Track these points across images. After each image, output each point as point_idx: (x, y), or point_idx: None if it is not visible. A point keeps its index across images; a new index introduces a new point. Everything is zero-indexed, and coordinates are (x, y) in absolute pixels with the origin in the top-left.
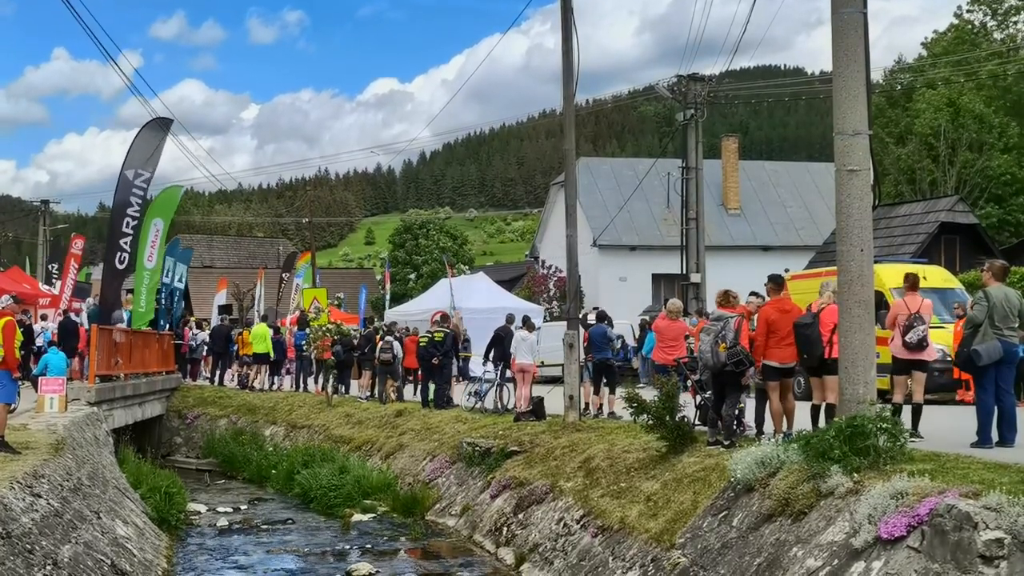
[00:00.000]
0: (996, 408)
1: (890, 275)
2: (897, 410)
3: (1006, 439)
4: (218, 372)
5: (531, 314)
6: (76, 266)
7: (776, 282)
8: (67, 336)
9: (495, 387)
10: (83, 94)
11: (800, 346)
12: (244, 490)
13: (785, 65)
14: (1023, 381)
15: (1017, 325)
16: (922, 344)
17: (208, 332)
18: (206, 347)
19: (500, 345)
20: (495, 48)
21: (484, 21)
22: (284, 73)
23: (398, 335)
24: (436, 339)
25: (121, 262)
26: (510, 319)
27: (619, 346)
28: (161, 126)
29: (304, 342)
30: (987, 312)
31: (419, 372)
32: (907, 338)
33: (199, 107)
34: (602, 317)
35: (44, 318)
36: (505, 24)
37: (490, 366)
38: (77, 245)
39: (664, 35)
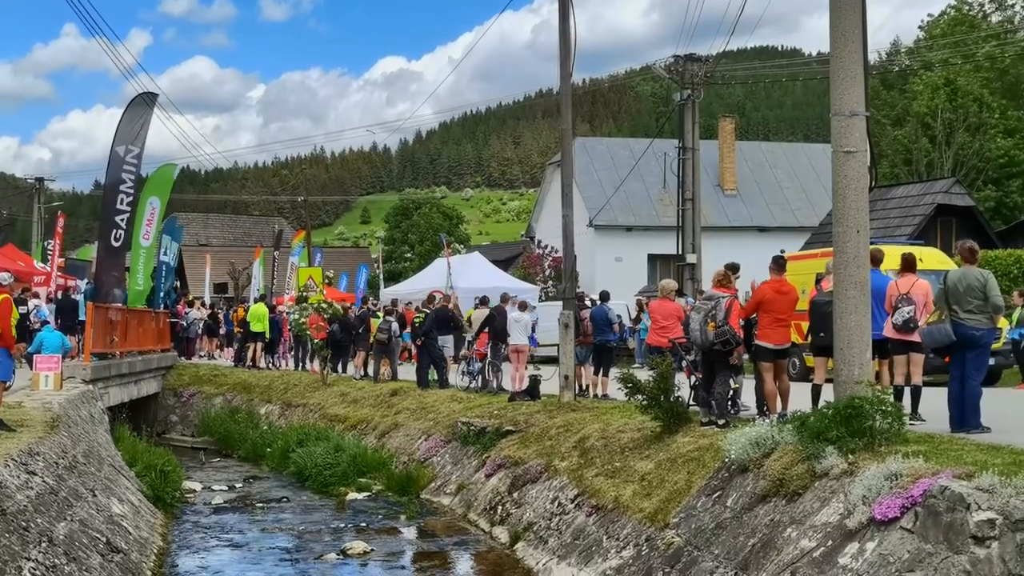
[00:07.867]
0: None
1: (886, 257)
2: (898, 392)
3: (967, 424)
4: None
5: (527, 294)
6: (59, 244)
7: (778, 263)
8: (65, 314)
9: (488, 366)
10: (91, 71)
11: (819, 325)
12: (239, 468)
13: (782, 46)
14: None
15: (985, 308)
16: (908, 325)
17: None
18: (202, 327)
19: (488, 326)
20: (493, 26)
21: None
22: (294, 51)
23: (398, 314)
24: (415, 322)
25: (117, 239)
26: (484, 300)
27: (619, 327)
28: (146, 101)
29: (293, 320)
30: (939, 294)
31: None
32: (893, 319)
33: (208, 84)
34: (604, 297)
35: (36, 296)
36: (516, 2)
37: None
38: (60, 224)
39: (673, 13)
